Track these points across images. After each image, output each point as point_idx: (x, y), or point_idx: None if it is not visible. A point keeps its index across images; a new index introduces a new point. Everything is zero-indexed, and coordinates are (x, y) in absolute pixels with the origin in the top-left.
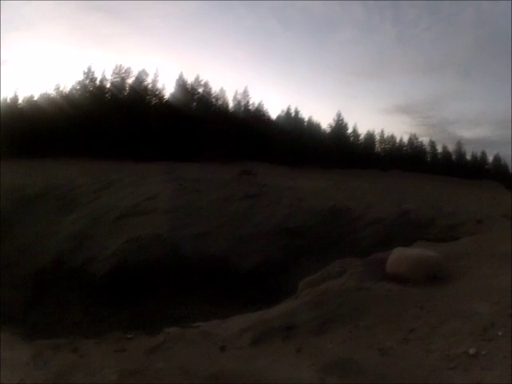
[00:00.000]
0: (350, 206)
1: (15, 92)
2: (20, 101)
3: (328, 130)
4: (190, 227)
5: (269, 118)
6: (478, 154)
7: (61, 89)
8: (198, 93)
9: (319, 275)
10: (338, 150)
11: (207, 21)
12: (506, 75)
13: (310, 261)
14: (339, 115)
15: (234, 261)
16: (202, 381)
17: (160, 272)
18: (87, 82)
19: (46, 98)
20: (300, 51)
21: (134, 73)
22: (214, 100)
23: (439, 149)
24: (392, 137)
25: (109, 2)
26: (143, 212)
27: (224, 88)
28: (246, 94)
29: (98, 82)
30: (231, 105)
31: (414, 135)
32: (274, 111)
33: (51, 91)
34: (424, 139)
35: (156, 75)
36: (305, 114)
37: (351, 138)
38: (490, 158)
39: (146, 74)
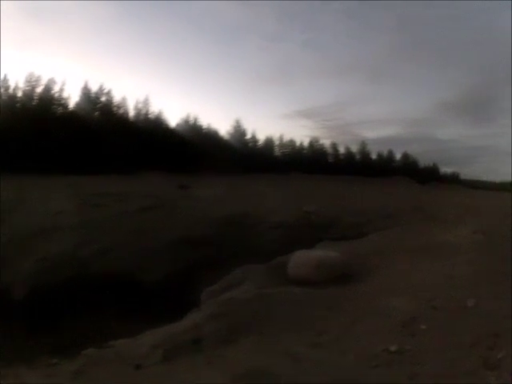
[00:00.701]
0: (250, 211)
1: None
2: None
3: (227, 136)
4: (95, 243)
5: (167, 127)
6: (385, 153)
7: None
8: (101, 102)
9: (220, 285)
10: (236, 156)
11: (115, 27)
12: (417, 77)
13: (214, 270)
14: (238, 121)
15: (140, 276)
16: None
17: (72, 291)
18: (2, 90)
19: None
20: (206, 57)
21: (44, 81)
22: (115, 109)
23: (342, 150)
24: (291, 141)
25: (33, 2)
26: (50, 230)
27: (126, 96)
28: (146, 102)
29: (11, 91)
30: (132, 114)
31: (315, 138)
32: (175, 119)
33: None
34: (326, 141)
35: (63, 83)
36: (205, 122)
37: (250, 144)
38: (399, 156)
39: (54, 83)
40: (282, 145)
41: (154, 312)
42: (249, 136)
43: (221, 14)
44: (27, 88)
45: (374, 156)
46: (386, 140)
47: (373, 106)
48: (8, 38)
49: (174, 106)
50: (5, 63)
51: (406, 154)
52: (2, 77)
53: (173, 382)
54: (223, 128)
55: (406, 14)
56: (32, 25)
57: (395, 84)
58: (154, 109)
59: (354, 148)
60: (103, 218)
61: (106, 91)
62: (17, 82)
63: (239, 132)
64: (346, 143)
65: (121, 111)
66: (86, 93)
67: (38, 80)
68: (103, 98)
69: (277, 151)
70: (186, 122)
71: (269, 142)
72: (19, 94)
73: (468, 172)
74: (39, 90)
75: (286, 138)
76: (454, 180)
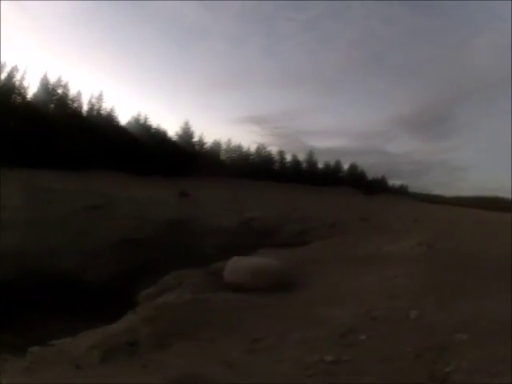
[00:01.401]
0: (193, 215)
1: None
2: None
3: (175, 138)
4: (44, 242)
5: (118, 125)
6: (332, 163)
7: None
8: (58, 94)
9: (156, 288)
10: (182, 159)
11: (80, 21)
12: (371, 91)
13: (155, 273)
14: (186, 123)
15: (85, 276)
16: None
17: (21, 290)
18: None
19: None
20: (164, 58)
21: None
22: (70, 102)
23: (288, 158)
24: (239, 146)
25: None
26: (2, 226)
27: (81, 91)
28: (100, 97)
29: None
30: (85, 108)
31: (263, 145)
32: (127, 117)
33: None
34: (274, 149)
35: (24, 72)
36: (155, 121)
37: (197, 147)
38: (347, 167)
39: (17, 70)
40: (229, 149)
41: (95, 312)
42: (196, 139)
43: (183, 16)
44: None
45: (321, 165)
46: (334, 150)
47: (324, 117)
48: None
49: (127, 104)
50: None
51: (354, 165)
52: None
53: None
54: (173, 129)
55: (367, 29)
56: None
57: (348, 96)
58: (108, 105)
59: (301, 157)
60: (51, 216)
61: (63, 83)
62: None
63: (187, 134)
64: (294, 152)
65: (75, 105)
66: (44, 84)
67: (2, 67)
68: (60, 91)
69: (223, 156)
70: (137, 120)
71: (215, 146)
72: None
73: (418, 185)
74: (2, 77)
75: (234, 143)
76: (402, 192)
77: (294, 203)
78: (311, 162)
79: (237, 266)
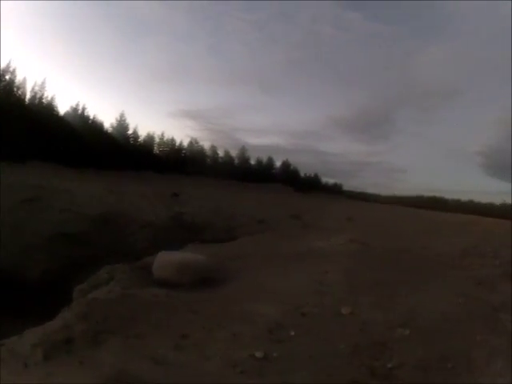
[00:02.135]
0: (122, 209)
1: None
2: None
3: (110, 129)
4: None
5: (57, 115)
6: (265, 160)
7: None
8: (5, 80)
9: (89, 283)
10: (115, 151)
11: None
12: (311, 92)
13: (90, 267)
14: (122, 115)
15: (22, 272)
16: None
17: None
18: None
19: None
20: (112, 49)
21: None
22: (15, 89)
23: (221, 153)
24: (172, 140)
25: None
26: None
27: (26, 77)
28: (43, 85)
29: None
30: (28, 96)
31: (195, 139)
32: (66, 107)
33: None
34: (207, 144)
35: None
36: (93, 112)
37: (131, 140)
38: (279, 164)
39: None
40: (162, 143)
41: (36, 310)
42: (131, 131)
43: (132, 8)
44: None
45: (253, 162)
46: (268, 148)
47: (260, 115)
48: None
49: (68, 93)
50: None
51: (287, 163)
52: None
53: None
54: (111, 121)
55: (314, 32)
56: None
57: (287, 97)
58: (49, 93)
59: (234, 153)
60: None
61: (11, 69)
62: None
63: (122, 126)
64: (227, 148)
65: (19, 92)
66: None
67: None
68: (7, 77)
69: (156, 149)
70: (75, 110)
71: (149, 140)
72: None
73: (352, 185)
74: None
75: (168, 136)
76: (336, 191)
77: (224, 199)
78: (243, 159)
79: (163, 262)
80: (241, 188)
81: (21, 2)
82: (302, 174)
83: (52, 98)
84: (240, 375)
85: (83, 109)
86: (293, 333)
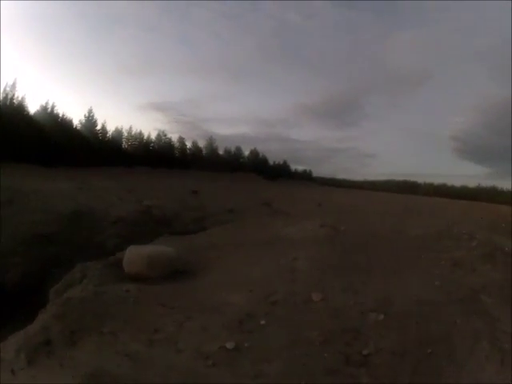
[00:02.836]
0: (93, 206)
1: None
2: None
3: (79, 126)
4: None
5: (28, 114)
6: (233, 149)
7: None
8: None
9: (63, 283)
10: (85, 148)
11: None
12: (279, 80)
13: (65, 267)
14: (90, 111)
15: (1, 276)
16: None
17: None
18: None
19: None
20: (78, 43)
21: None
22: None
23: (189, 144)
24: (140, 133)
25: None
26: None
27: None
28: (14, 86)
29: None
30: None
31: (163, 132)
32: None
33: None
34: (175, 136)
35: None
36: (63, 110)
37: (100, 135)
38: (247, 153)
39: None
40: (130, 137)
41: (16, 314)
42: (99, 127)
43: (99, 1)
44: None
45: (221, 152)
46: (236, 138)
47: (229, 105)
48: None
49: (38, 91)
50: None
51: (255, 152)
52: None
53: None
54: (80, 117)
55: (284, 21)
56: None
57: (256, 86)
58: (20, 93)
59: (202, 144)
60: None
61: None
62: None
63: (90, 122)
64: (195, 139)
65: None
66: None
67: None
68: None
69: (125, 144)
70: (45, 109)
71: (117, 134)
72: None
73: (323, 171)
74: None
75: (136, 130)
76: (306, 177)
77: (194, 189)
78: (212, 149)
79: (133, 256)
80: (210, 178)
81: None
82: (271, 162)
83: (22, 98)
84: (212, 368)
85: (52, 107)
86: (263, 322)
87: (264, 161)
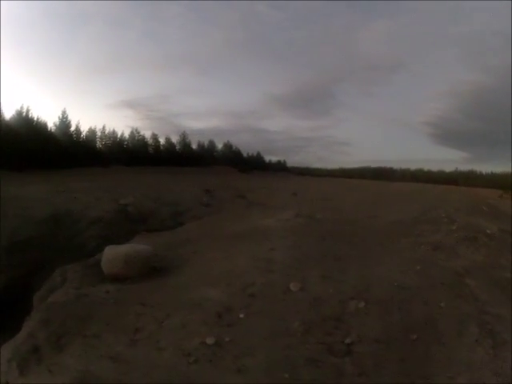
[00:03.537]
0: (71, 208)
1: None
2: None
3: (53, 128)
4: None
5: (4, 119)
6: (206, 143)
7: None
8: None
9: (46, 288)
10: (60, 150)
11: None
12: (249, 72)
13: (46, 273)
14: (64, 112)
15: None
16: None
17: None
18: None
19: None
20: (45, 43)
21: None
22: None
23: (162, 141)
24: (113, 132)
25: None
26: None
27: None
28: None
29: None
30: None
31: (136, 129)
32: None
33: None
34: (147, 132)
35: None
36: (36, 112)
37: (74, 137)
38: (220, 146)
39: None
40: (104, 136)
41: (10, 322)
42: (73, 128)
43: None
44: None
45: (194, 146)
46: (209, 131)
47: (199, 99)
48: None
49: (11, 95)
50: None
51: (228, 144)
52: None
53: None
54: (53, 119)
55: (251, 12)
56: None
57: (224, 78)
58: None
59: (175, 139)
60: None
61: None
62: None
63: (64, 124)
64: (168, 134)
65: None
66: None
67: None
68: None
69: (99, 143)
70: (20, 113)
71: (91, 134)
72: None
73: (296, 160)
74: None
75: (109, 129)
76: (280, 168)
77: (168, 186)
78: (185, 144)
79: (111, 256)
80: (184, 173)
81: None
82: (244, 154)
83: None
84: (194, 365)
85: (27, 111)
86: (242, 315)
87: (238, 153)
